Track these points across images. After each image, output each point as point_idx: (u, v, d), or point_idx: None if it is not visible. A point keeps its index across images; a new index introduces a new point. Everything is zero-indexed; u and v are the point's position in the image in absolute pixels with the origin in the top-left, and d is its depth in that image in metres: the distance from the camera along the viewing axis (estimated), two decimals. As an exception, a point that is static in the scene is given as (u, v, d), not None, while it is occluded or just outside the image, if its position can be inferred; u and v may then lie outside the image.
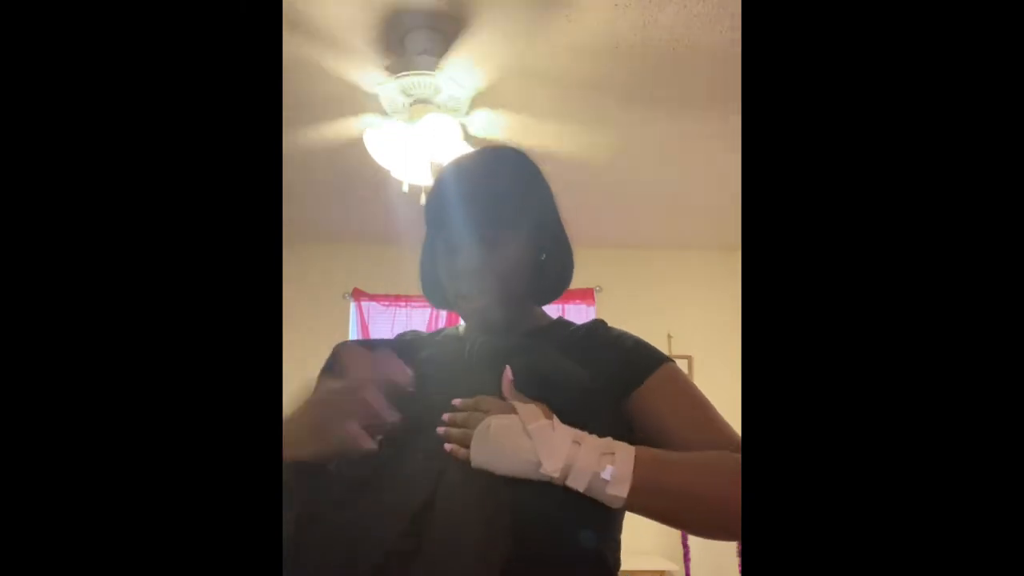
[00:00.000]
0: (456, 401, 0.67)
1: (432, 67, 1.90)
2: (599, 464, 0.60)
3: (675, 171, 2.72)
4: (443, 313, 3.47)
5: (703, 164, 2.63)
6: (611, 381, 0.72)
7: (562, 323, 0.87)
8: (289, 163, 2.53)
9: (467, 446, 0.62)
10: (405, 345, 0.86)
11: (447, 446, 0.63)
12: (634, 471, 0.60)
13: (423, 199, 2.33)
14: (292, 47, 1.84)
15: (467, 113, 2.17)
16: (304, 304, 3.47)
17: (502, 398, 0.66)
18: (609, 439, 0.63)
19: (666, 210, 3.22)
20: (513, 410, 0.64)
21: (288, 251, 3.45)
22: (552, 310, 0.91)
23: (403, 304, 3.53)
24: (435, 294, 0.86)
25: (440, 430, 0.65)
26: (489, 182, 0.78)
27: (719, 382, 3.28)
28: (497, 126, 2.27)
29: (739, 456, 0.63)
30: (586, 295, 3.47)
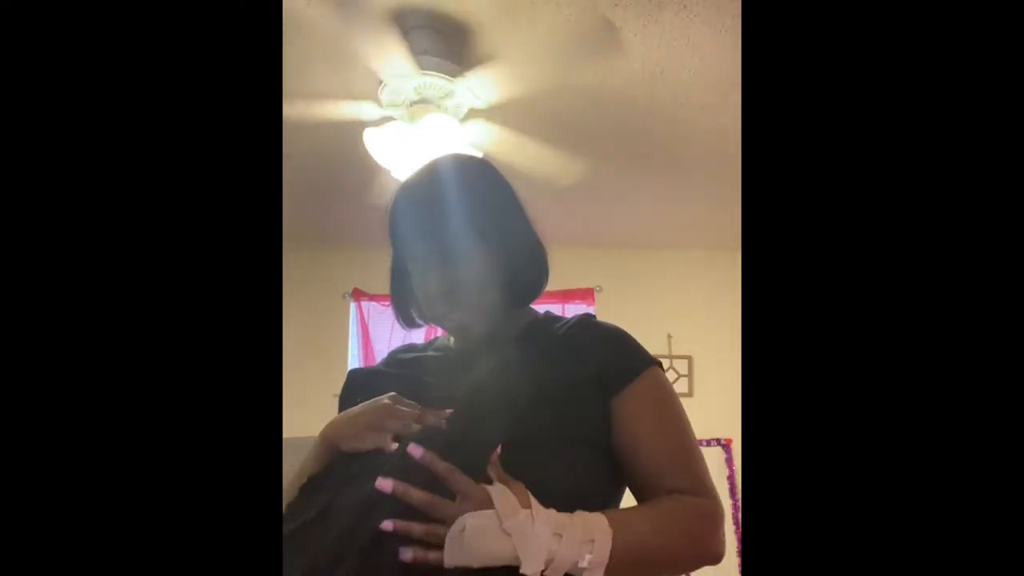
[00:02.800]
0: (430, 463, 0.59)
1: (432, 67, 1.90)
2: (579, 553, 0.58)
3: (675, 169, 2.72)
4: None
5: (703, 164, 2.63)
6: (597, 380, 0.71)
7: (550, 319, 0.85)
8: (289, 163, 2.53)
9: (437, 545, 0.56)
10: (404, 364, 0.86)
11: (406, 554, 0.55)
12: (611, 553, 0.59)
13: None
14: (292, 47, 1.83)
15: (462, 121, 2.16)
16: (304, 304, 3.47)
17: (479, 476, 0.61)
18: (588, 520, 0.61)
19: (666, 210, 3.22)
20: (488, 501, 0.58)
21: (288, 251, 3.44)
22: (552, 310, 0.90)
23: (403, 304, 3.52)
24: (408, 313, 0.86)
25: (390, 526, 0.56)
26: (442, 196, 0.77)
27: (719, 382, 3.28)
28: (488, 139, 2.27)
29: (706, 501, 0.67)
30: (586, 295, 3.46)
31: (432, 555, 0.56)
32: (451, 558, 0.56)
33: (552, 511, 0.60)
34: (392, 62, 1.87)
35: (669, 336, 3.45)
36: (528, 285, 0.81)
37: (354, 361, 3.50)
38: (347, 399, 0.79)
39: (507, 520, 0.57)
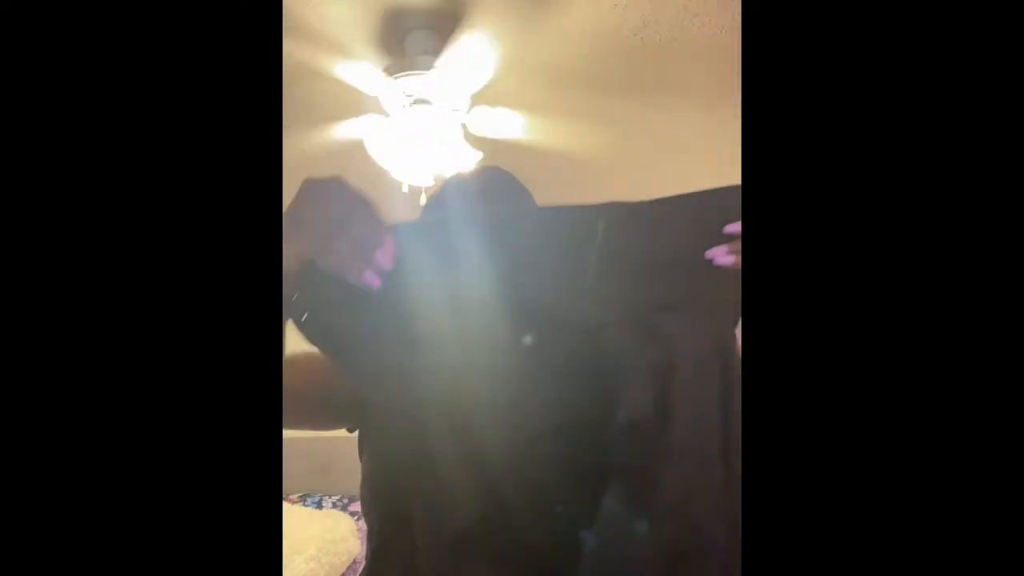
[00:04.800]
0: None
1: (431, 67, 1.90)
2: None
3: (675, 170, 2.72)
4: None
5: (703, 163, 2.63)
6: None
7: None
8: (289, 164, 2.53)
9: None
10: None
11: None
12: None
13: (423, 199, 2.33)
14: (292, 48, 1.84)
15: (468, 112, 2.17)
16: (304, 304, 3.47)
17: None
18: None
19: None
20: None
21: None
22: None
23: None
24: None
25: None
26: (492, 192, 0.82)
27: (719, 382, 3.27)
28: (497, 124, 2.27)
29: None
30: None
31: None
32: None
33: None
34: (367, 75, 1.89)
35: (669, 336, 3.46)
36: None
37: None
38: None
39: None
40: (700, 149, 2.50)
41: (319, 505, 2.94)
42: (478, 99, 2.13)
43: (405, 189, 2.27)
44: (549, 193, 0.88)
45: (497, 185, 0.84)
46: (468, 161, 2.05)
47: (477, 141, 2.22)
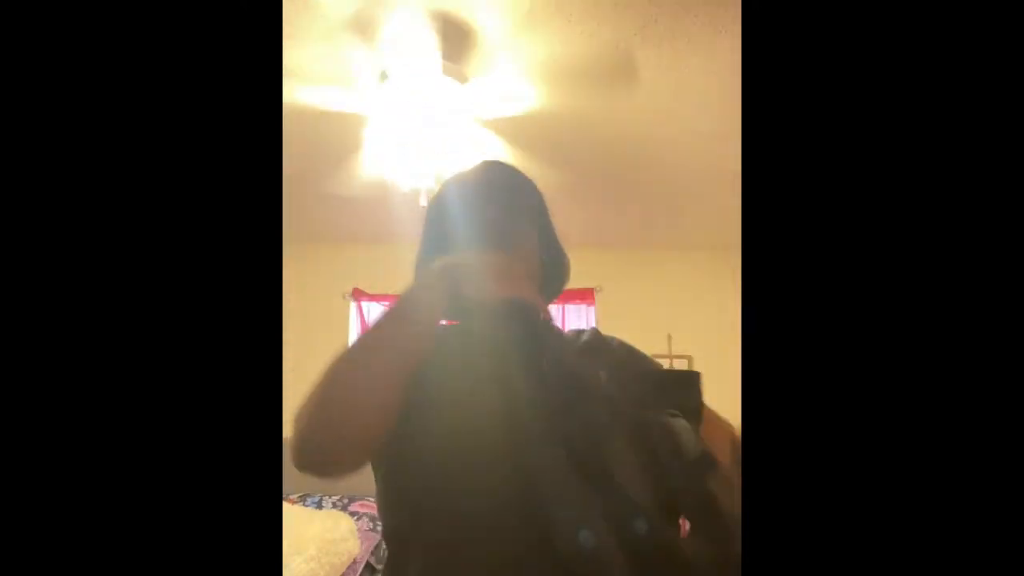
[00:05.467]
0: None
1: (434, 68, 1.90)
2: None
3: (675, 170, 2.72)
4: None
5: (703, 163, 2.63)
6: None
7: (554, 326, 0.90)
8: (289, 163, 2.53)
9: None
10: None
11: None
12: None
13: (423, 199, 2.33)
14: (292, 46, 1.83)
15: (468, 112, 2.17)
16: (304, 304, 3.47)
17: None
18: None
19: (666, 210, 3.22)
20: None
21: (288, 251, 3.44)
22: (552, 309, 0.94)
23: (403, 304, 3.52)
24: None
25: None
26: (496, 184, 0.82)
27: (719, 382, 3.28)
28: (497, 126, 2.27)
29: None
30: (586, 295, 3.46)
31: None
32: None
33: None
34: (402, 58, 1.87)
35: (669, 336, 3.45)
36: (556, 284, 0.87)
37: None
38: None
39: None
40: (700, 149, 2.50)
41: (319, 505, 2.94)
42: (478, 100, 2.14)
43: (405, 189, 2.27)
44: (549, 194, 0.88)
45: (500, 181, 0.84)
46: (469, 159, 2.05)
47: (477, 140, 2.22)
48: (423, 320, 0.64)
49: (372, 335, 0.65)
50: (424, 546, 0.62)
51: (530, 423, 0.63)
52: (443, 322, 0.80)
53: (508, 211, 0.79)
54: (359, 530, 2.68)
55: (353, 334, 3.53)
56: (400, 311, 0.64)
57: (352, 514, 2.83)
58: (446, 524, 0.61)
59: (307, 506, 2.93)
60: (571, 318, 3.42)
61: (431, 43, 1.87)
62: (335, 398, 0.60)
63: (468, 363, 0.70)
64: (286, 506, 2.55)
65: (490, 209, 0.79)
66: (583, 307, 3.47)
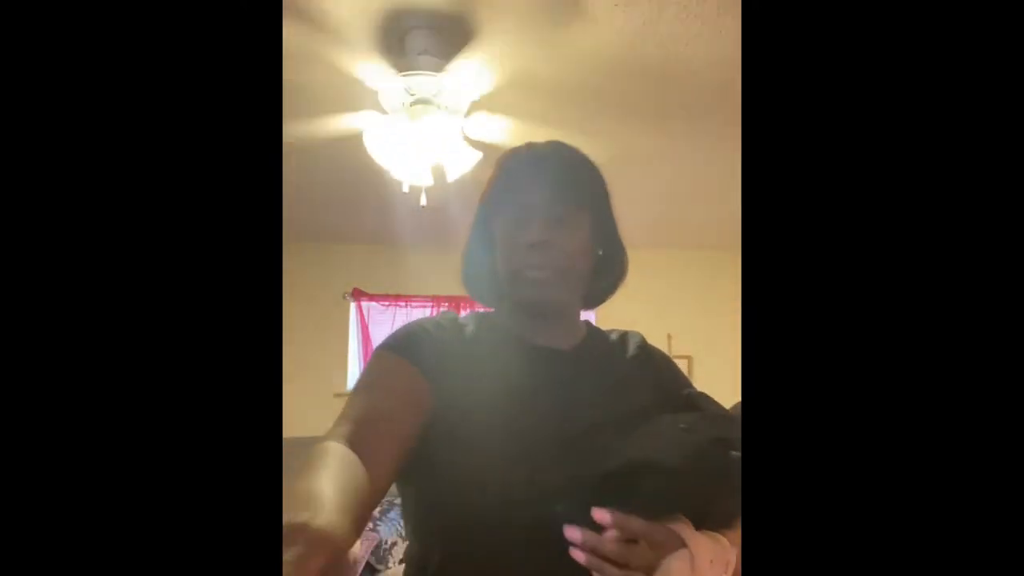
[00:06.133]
0: (612, 531, 0.57)
1: (435, 68, 1.90)
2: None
3: (675, 171, 2.72)
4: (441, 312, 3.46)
5: (704, 163, 2.63)
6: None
7: (597, 333, 0.87)
8: (289, 162, 2.53)
9: None
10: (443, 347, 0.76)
11: None
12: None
13: (423, 199, 2.33)
14: (292, 46, 1.83)
15: (466, 115, 2.17)
16: (304, 304, 3.47)
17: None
18: (721, 540, 0.59)
19: (666, 210, 3.22)
20: (681, 542, 0.57)
21: (288, 251, 3.45)
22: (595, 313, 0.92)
23: (403, 304, 3.52)
24: (481, 287, 0.83)
25: (581, 558, 0.57)
26: (559, 165, 0.77)
27: (719, 382, 3.28)
28: (495, 130, 2.27)
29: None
30: (586, 295, 3.46)
31: None
32: None
33: (706, 537, 0.59)
34: (368, 74, 1.88)
35: (669, 336, 3.46)
36: (608, 283, 0.83)
37: (354, 361, 3.50)
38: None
39: (700, 558, 0.56)
40: (700, 158, 2.50)
41: (319, 505, 2.94)
42: (478, 105, 2.14)
43: (405, 189, 2.27)
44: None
45: (555, 162, 0.78)
46: (467, 161, 2.05)
47: (475, 145, 2.22)
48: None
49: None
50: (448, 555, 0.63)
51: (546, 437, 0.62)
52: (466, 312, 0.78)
53: (559, 196, 0.75)
54: (359, 530, 2.68)
55: (353, 334, 3.53)
56: None
57: (352, 514, 2.82)
58: (473, 539, 0.62)
59: (307, 506, 2.92)
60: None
61: (432, 43, 1.87)
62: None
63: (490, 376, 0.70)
64: (286, 506, 2.54)
65: (540, 187, 0.75)
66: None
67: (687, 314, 3.59)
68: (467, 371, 0.71)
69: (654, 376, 0.81)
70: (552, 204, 0.74)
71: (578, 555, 0.56)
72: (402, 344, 0.73)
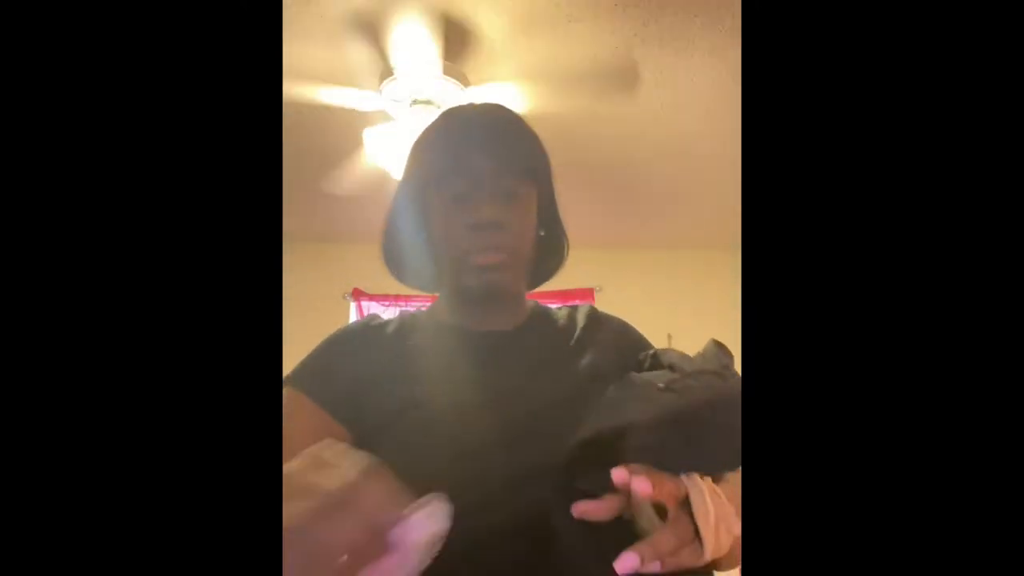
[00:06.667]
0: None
1: (436, 68, 1.90)
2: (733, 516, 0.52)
3: (675, 171, 2.72)
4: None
5: (703, 163, 2.63)
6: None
7: (546, 308, 0.78)
8: (289, 162, 2.53)
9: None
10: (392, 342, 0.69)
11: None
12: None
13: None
14: (292, 45, 1.83)
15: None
16: (304, 304, 3.47)
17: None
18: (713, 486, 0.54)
19: (666, 210, 3.22)
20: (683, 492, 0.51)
21: (288, 251, 3.45)
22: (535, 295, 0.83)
23: (403, 304, 3.53)
24: (410, 268, 0.73)
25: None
26: (505, 130, 0.68)
27: (719, 382, 3.27)
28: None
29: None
30: (586, 295, 3.46)
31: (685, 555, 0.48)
32: (708, 536, 0.49)
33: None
34: (403, 58, 1.87)
35: (669, 336, 3.46)
36: (550, 264, 0.76)
37: (354, 361, 3.50)
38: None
39: (707, 487, 0.51)
40: (700, 152, 2.50)
41: (319, 505, 2.94)
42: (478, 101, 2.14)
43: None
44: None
45: (504, 128, 0.68)
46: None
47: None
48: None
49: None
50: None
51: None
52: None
53: (508, 167, 0.65)
54: (359, 530, 2.67)
55: (353, 334, 3.53)
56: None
57: (352, 514, 2.82)
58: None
59: (307, 506, 2.93)
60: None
61: (432, 43, 1.87)
62: None
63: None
64: (286, 506, 2.54)
65: (486, 158, 0.65)
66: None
67: (687, 314, 3.59)
68: (395, 375, 0.63)
69: (613, 341, 0.72)
70: (500, 176, 0.65)
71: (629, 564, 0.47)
72: (305, 375, 0.64)
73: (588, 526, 0.51)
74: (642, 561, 0.46)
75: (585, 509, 0.50)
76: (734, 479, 0.56)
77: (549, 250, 0.75)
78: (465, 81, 2.00)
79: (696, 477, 0.52)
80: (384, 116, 2.12)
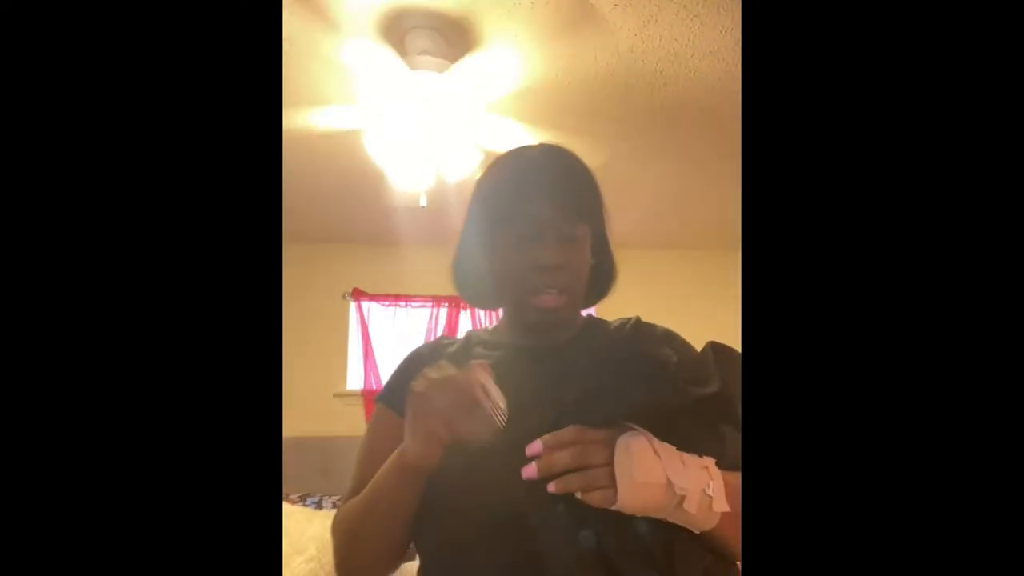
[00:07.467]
0: (537, 445, 0.57)
1: (437, 68, 1.90)
2: (703, 479, 0.55)
3: (675, 171, 2.72)
4: (441, 312, 3.47)
5: (704, 164, 2.63)
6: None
7: (595, 323, 0.86)
8: (289, 162, 2.53)
9: (594, 488, 0.55)
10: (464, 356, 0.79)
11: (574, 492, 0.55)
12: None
13: (423, 200, 2.33)
14: (293, 45, 1.83)
15: (468, 116, 2.17)
16: (304, 304, 3.47)
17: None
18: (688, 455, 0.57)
19: (666, 210, 3.22)
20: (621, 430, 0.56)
21: (288, 251, 3.45)
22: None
23: (403, 304, 3.52)
24: (477, 290, 0.82)
25: (530, 473, 0.56)
26: (566, 175, 0.74)
27: (719, 382, 3.27)
28: (496, 131, 2.27)
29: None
30: (586, 295, 3.46)
31: (597, 495, 0.54)
32: (623, 482, 0.54)
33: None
34: (383, 65, 1.88)
35: (669, 336, 3.46)
36: (600, 290, 0.84)
37: (354, 361, 3.50)
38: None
39: (654, 440, 0.56)
40: (701, 158, 2.50)
41: (319, 505, 2.94)
42: (479, 106, 2.13)
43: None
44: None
45: (559, 171, 0.74)
46: (469, 163, 2.05)
47: (475, 145, 2.22)
48: (419, 476, 0.64)
49: (372, 496, 0.68)
50: None
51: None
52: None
53: (570, 212, 0.72)
54: (359, 530, 2.67)
55: (353, 334, 3.53)
56: (396, 470, 0.65)
57: (352, 514, 2.82)
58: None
59: (307, 506, 2.93)
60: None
61: (432, 43, 1.87)
62: (354, 550, 0.70)
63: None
64: (286, 506, 2.55)
65: (549, 206, 0.71)
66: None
67: (687, 314, 3.59)
68: None
69: (654, 350, 0.78)
70: (564, 221, 0.72)
71: (530, 471, 0.56)
72: (387, 391, 0.80)
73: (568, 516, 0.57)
74: (544, 447, 0.56)
75: (526, 470, 0.57)
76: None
77: (601, 276, 0.82)
78: (466, 82, 2.00)
79: (642, 438, 0.56)
80: (385, 116, 2.13)
